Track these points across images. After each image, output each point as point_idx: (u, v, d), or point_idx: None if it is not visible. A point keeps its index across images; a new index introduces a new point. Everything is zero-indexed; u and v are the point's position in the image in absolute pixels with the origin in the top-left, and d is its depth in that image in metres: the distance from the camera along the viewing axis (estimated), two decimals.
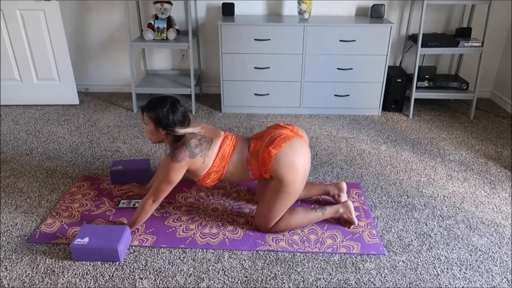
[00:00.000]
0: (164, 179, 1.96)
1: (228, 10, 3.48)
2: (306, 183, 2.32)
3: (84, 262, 1.91)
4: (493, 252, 2.00)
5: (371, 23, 3.27)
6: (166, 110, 1.95)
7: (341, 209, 2.15)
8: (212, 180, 2.05)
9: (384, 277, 1.85)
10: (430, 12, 3.64)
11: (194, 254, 1.98)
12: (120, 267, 1.89)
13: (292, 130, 2.04)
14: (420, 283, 1.82)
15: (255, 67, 3.39)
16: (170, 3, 3.47)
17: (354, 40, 3.28)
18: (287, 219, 2.06)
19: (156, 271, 1.88)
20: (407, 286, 1.80)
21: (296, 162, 1.92)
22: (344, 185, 2.29)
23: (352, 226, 2.15)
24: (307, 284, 1.81)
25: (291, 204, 2.03)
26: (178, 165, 1.93)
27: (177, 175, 1.95)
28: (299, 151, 1.94)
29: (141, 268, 1.89)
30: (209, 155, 1.98)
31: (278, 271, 1.88)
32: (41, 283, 1.80)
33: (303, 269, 1.89)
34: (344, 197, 2.28)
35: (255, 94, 3.50)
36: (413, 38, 3.53)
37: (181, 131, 1.96)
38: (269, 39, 3.29)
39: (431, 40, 3.34)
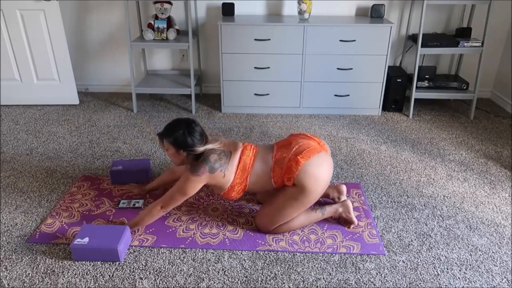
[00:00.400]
0: (179, 189, 1.97)
1: (228, 10, 3.48)
2: None
3: (84, 262, 1.91)
4: (493, 252, 2.00)
5: (371, 23, 3.27)
6: (182, 133, 1.97)
7: (340, 209, 2.16)
8: (237, 192, 2.05)
9: (384, 277, 1.85)
10: (430, 12, 3.65)
11: (194, 254, 1.98)
12: (120, 267, 1.89)
13: (319, 143, 2.06)
14: (420, 283, 1.82)
15: (255, 67, 3.39)
16: (170, 3, 3.47)
17: (354, 40, 3.28)
18: (289, 221, 2.06)
19: (156, 271, 1.88)
20: (407, 286, 1.80)
21: (321, 175, 1.95)
22: (344, 188, 2.29)
23: (352, 226, 2.15)
24: (307, 284, 1.81)
25: (300, 212, 2.04)
26: (197, 178, 1.95)
27: (193, 188, 1.96)
28: (325, 166, 1.98)
29: (141, 268, 1.89)
30: (229, 169, 1.99)
31: (278, 271, 1.88)
32: (41, 283, 1.80)
33: (303, 269, 1.89)
34: (343, 198, 2.28)
35: (255, 94, 3.50)
36: (413, 38, 3.53)
37: (200, 149, 1.98)
38: (269, 39, 3.29)
39: (431, 40, 3.34)
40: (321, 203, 2.34)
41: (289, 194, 1.98)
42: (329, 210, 2.15)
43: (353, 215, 2.15)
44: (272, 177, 2.01)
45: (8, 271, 1.86)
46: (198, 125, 2.05)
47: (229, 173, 1.99)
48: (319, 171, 1.94)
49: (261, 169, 2.02)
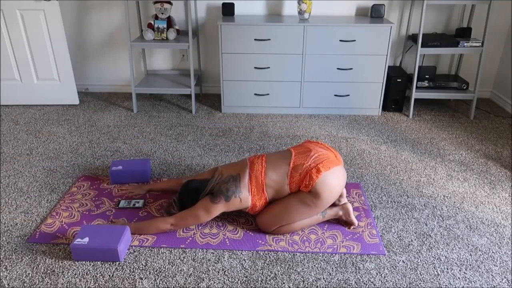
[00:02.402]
0: (194, 211, 2.00)
1: (228, 10, 3.48)
2: None
3: (84, 262, 1.91)
4: (493, 252, 2.00)
5: (371, 23, 3.27)
6: (192, 199, 2.08)
7: (340, 212, 2.17)
8: (261, 205, 2.06)
9: (384, 277, 1.85)
10: (430, 12, 3.65)
11: (194, 254, 1.98)
12: (120, 267, 1.89)
13: (336, 156, 2.09)
14: (420, 283, 1.82)
15: (255, 67, 3.39)
16: (170, 3, 3.47)
17: (354, 40, 3.28)
18: (288, 224, 2.06)
19: (156, 271, 1.88)
20: (407, 286, 1.80)
21: (337, 188, 2.00)
22: (343, 191, 2.28)
23: (352, 227, 2.15)
24: (307, 284, 1.81)
25: (303, 218, 2.05)
26: (214, 206, 1.98)
27: (208, 215, 2.00)
28: (341, 179, 2.02)
29: (141, 268, 1.89)
30: (243, 192, 2.01)
31: (278, 271, 1.88)
32: (41, 283, 1.80)
33: (303, 269, 1.89)
34: (343, 200, 2.28)
35: (255, 94, 3.50)
36: (413, 38, 3.53)
37: (207, 187, 2.06)
38: (269, 39, 3.29)
39: (431, 40, 3.34)
40: None
41: (301, 199, 2.00)
42: (329, 213, 2.16)
43: (353, 217, 2.15)
44: (288, 183, 2.02)
45: (8, 271, 1.86)
46: (191, 181, 2.11)
47: (244, 196, 2.01)
48: (335, 183, 1.99)
49: (275, 176, 2.03)
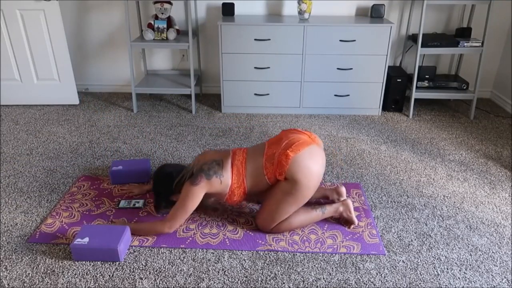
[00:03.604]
0: (180, 204, 1.98)
1: (228, 10, 3.48)
2: None
3: (84, 262, 1.91)
4: (493, 252, 2.00)
5: (371, 23, 3.27)
6: (167, 180, 2.07)
7: (340, 208, 2.16)
8: (238, 195, 2.06)
9: (384, 277, 1.85)
10: (430, 12, 3.65)
11: (194, 254, 1.98)
12: (120, 267, 1.89)
13: (310, 136, 2.07)
14: (420, 283, 1.82)
15: (255, 67, 3.39)
16: (170, 3, 3.47)
17: (354, 40, 3.28)
18: (289, 219, 2.06)
19: (156, 271, 1.88)
20: (407, 286, 1.80)
21: (313, 168, 1.94)
22: (343, 189, 2.29)
23: (352, 226, 2.15)
24: (307, 284, 1.81)
25: (297, 208, 2.04)
26: (196, 188, 1.96)
27: (194, 200, 1.97)
28: (317, 159, 1.97)
29: (141, 268, 1.89)
30: (224, 176, 2.00)
31: (278, 271, 1.88)
32: (41, 283, 1.80)
33: (303, 269, 1.89)
34: (343, 197, 2.28)
35: (255, 94, 3.50)
36: (413, 38, 3.53)
37: (184, 171, 2.06)
38: (269, 39, 3.29)
39: (431, 40, 3.34)
40: (321, 203, 2.34)
41: (283, 189, 1.98)
42: (329, 210, 2.15)
43: (353, 214, 2.15)
44: (265, 174, 2.01)
45: (8, 271, 1.86)
46: (166, 165, 2.12)
47: (225, 179, 2.00)
48: (310, 164, 1.93)
49: (254, 169, 2.03)
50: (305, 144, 1.97)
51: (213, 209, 2.28)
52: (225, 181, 2.01)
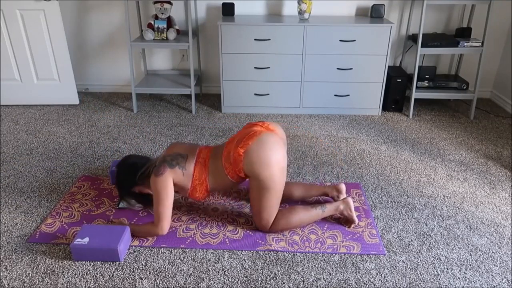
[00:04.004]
0: (156, 201, 1.96)
1: (228, 10, 3.48)
2: (304, 184, 2.32)
3: (84, 262, 1.91)
4: (493, 252, 2.00)
5: (371, 23, 3.27)
6: (128, 170, 2.07)
7: (341, 206, 2.15)
8: (201, 192, 2.06)
9: (384, 277, 1.85)
10: (430, 12, 3.65)
11: (194, 254, 1.98)
12: (120, 267, 1.89)
13: (262, 125, 2.04)
14: (420, 283, 1.82)
15: (255, 67, 3.39)
16: (170, 3, 3.47)
17: (354, 40, 3.28)
18: (287, 217, 2.05)
19: (156, 271, 1.88)
20: (407, 286, 1.80)
21: (267, 157, 1.90)
22: (342, 186, 2.29)
23: (352, 225, 2.15)
24: (307, 284, 1.81)
25: (279, 199, 2.01)
26: (162, 177, 1.95)
27: (166, 189, 1.95)
28: (269, 146, 1.91)
29: (141, 268, 1.89)
30: (187, 169, 2.01)
31: (278, 271, 1.88)
32: (41, 283, 1.80)
33: (303, 269, 1.89)
34: (343, 196, 2.28)
35: (255, 94, 3.50)
36: (413, 38, 3.53)
37: (149, 162, 2.06)
38: (269, 39, 3.29)
39: (431, 40, 3.34)
40: (321, 202, 2.34)
41: (253, 187, 1.98)
42: (329, 208, 2.14)
43: (354, 213, 2.15)
44: (226, 174, 2.02)
45: (8, 271, 1.86)
46: (131, 156, 2.12)
47: (187, 172, 2.01)
48: (264, 155, 1.89)
49: (216, 169, 2.03)
50: (254, 136, 1.94)
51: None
52: (187, 174, 2.00)
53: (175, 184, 2.02)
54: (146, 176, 2.05)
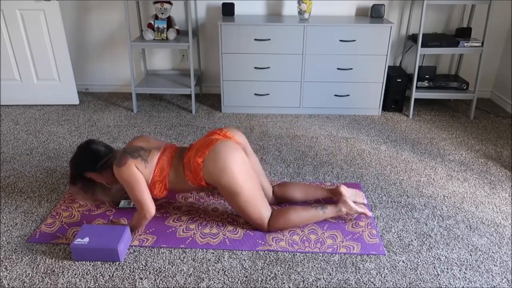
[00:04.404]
0: (129, 189, 1.96)
1: (228, 10, 3.48)
2: (306, 185, 2.31)
3: (84, 262, 1.91)
4: (493, 252, 2.00)
5: (371, 23, 3.27)
6: (90, 154, 2.04)
7: (343, 209, 2.14)
8: (159, 189, 2.06)
9: (384, 277, 1.85)
10: (430, 12, 3.65)
11: (194, 254, 1.98)
12: (120, 267, 1.89)
13: (220, 133, 2.07)
14: (420, 283, 1.82)
15: (255, 67, 3.39)
16: (170, 3, 3.47)
17: (354, 40, 3.28)
18: (286, 216, 2.05)
19: (156, 271, 1.88)
20: (407, 286, 1.80)
21: (224, 164, 1.92)
22: (342, 188, 2.27)
23: (368, 216, 2.15)
24: (307, 284, 1.81)
25: (255, 196, 2.00)
26: (125, 166, 1.95)
27: (133, 175, 1.95)
28: (225, 153, 1.93)
29: (141, 268, 1.89)
30: (149, 163, 2.01)
31: (278, 271, 1.88)
32: (41, 283, 1.80)
33: (303, 269, 1.89)
34: (344, 198, 2.28)
35: (255, 94, 3.50)
36: (413, 38, 3.53)
37: (113, 153, 2.06)
38: (269, 39, 3.29)
39: (431, 40, 3.34)
40: (321, 202, 2.33)
41: (225, 195, 2.00)
42: (330, 210, 2.13)
43: (359, 208, 2.12)
44: (187, 180, 2.04)
45: (8, 271, 1.86)
46: (95, 141, 2.09)
47: (149, 165, 2.00)
48: (222, 163, 1.91)
49: (176, 171, 2.04)
50: (211, 145, 1.97)
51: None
52: (149, 167, 2.00)
53: (141, 171, 2.01)
54: (106, 167, 2.03)
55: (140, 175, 1.97)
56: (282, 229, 2.08)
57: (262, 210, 2.03)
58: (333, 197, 2.30)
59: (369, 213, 2.15)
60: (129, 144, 2.10)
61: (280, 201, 2.30)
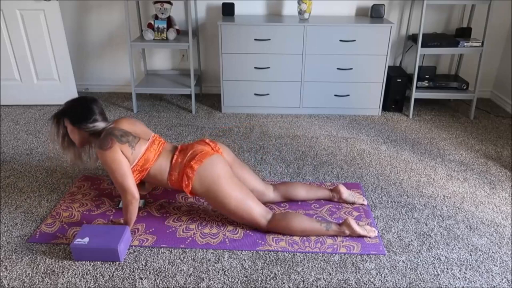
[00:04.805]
0: (111, 173, 1.95)
1: (228, 10, 3.48)
2: (307, 185, 2.32)
3: (84, 262, 1.91)
4: (493, 252, 2.00)
5: (371, 23, 3.27)
6: (82, 107, 2.01)
7: (346, 231, 2.06)
8: (138, 179, 2.07)
9: (384, 277, 1.85)
10: (430, 12, 3.65)
11: (194, 254, 1.98)
12: (120, 267, 1.89)
13: (213, 148, 2.13)
14: (420, 283, 1.82)
15: (255, 67, 3.39)
16: (170, 3, 3.47)
17: (354, 40, 3.28)
18: (288, 221, 2.04)
19: (156, 271, 1.88)
20: (407, 286, 1.80)
21: (218, 176, 2.00)
22: (342, 188, 2.30)
23: (370, 235, 2.07)
24: (307, 284, 1.81)
25: (237, 197, 2.01)
26: (110, 151, 1.93)
27: (116, 160, 1.93)
28: (218, 165, 2.02)
29: (141, 268, 1.89)
30: (136, 150, 2.01)
31: (278, 271, 1.88)
32: (41, 283, 1.80)
33: (303, 269, 1.89)
34: (345, 196, 2.29)
35: (255, 94, 3.50)
36: (413, 38, 3.53)
37: (101, 124, 2.03)
38: (269, 39, 3.29)
39: (431, 40, 3.34)
40: (321, 202, 2.34)
41: (212, 203, 2.05)
42: (334, 229, 2.06)
43: (360, 230, 2.05)
44: (168, 179, 2.05)
45: (8, 271, 1.86)
46: (98, 104, 2.07)
47: (135, 153, 2.00)
48: (212, 174, 1.99)
49: (160, 167, 2.06)
50: (207, 155, 2.03)
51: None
52: (134, 155, 2.00)
53: (126, 156, 1.99)
54: (85, 129, 2.01)
55: (124, 159, 1.96)
56: (282, 232, 2.08)
57: (249, 205, 2.03)
58: (333, 198, 2.32)
59: (373, 234, 2.07)
60: (116, 124, 2.07)
61: (283, 198, 2.30)
